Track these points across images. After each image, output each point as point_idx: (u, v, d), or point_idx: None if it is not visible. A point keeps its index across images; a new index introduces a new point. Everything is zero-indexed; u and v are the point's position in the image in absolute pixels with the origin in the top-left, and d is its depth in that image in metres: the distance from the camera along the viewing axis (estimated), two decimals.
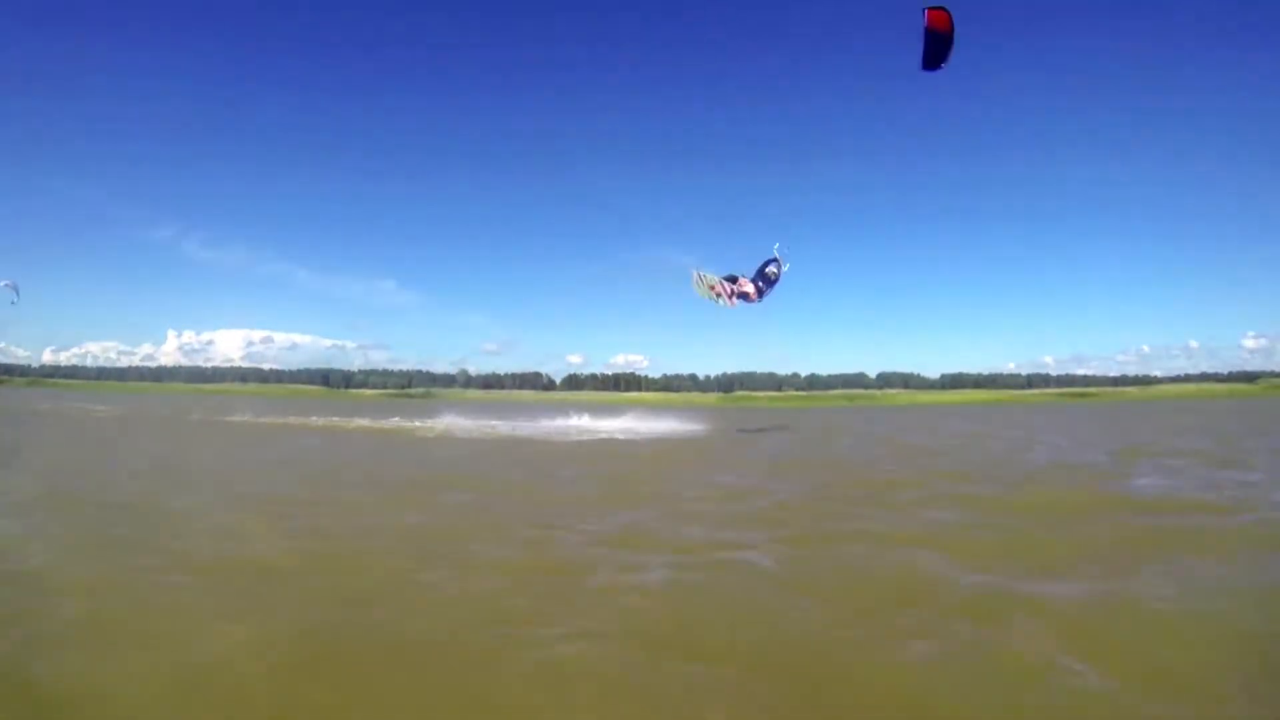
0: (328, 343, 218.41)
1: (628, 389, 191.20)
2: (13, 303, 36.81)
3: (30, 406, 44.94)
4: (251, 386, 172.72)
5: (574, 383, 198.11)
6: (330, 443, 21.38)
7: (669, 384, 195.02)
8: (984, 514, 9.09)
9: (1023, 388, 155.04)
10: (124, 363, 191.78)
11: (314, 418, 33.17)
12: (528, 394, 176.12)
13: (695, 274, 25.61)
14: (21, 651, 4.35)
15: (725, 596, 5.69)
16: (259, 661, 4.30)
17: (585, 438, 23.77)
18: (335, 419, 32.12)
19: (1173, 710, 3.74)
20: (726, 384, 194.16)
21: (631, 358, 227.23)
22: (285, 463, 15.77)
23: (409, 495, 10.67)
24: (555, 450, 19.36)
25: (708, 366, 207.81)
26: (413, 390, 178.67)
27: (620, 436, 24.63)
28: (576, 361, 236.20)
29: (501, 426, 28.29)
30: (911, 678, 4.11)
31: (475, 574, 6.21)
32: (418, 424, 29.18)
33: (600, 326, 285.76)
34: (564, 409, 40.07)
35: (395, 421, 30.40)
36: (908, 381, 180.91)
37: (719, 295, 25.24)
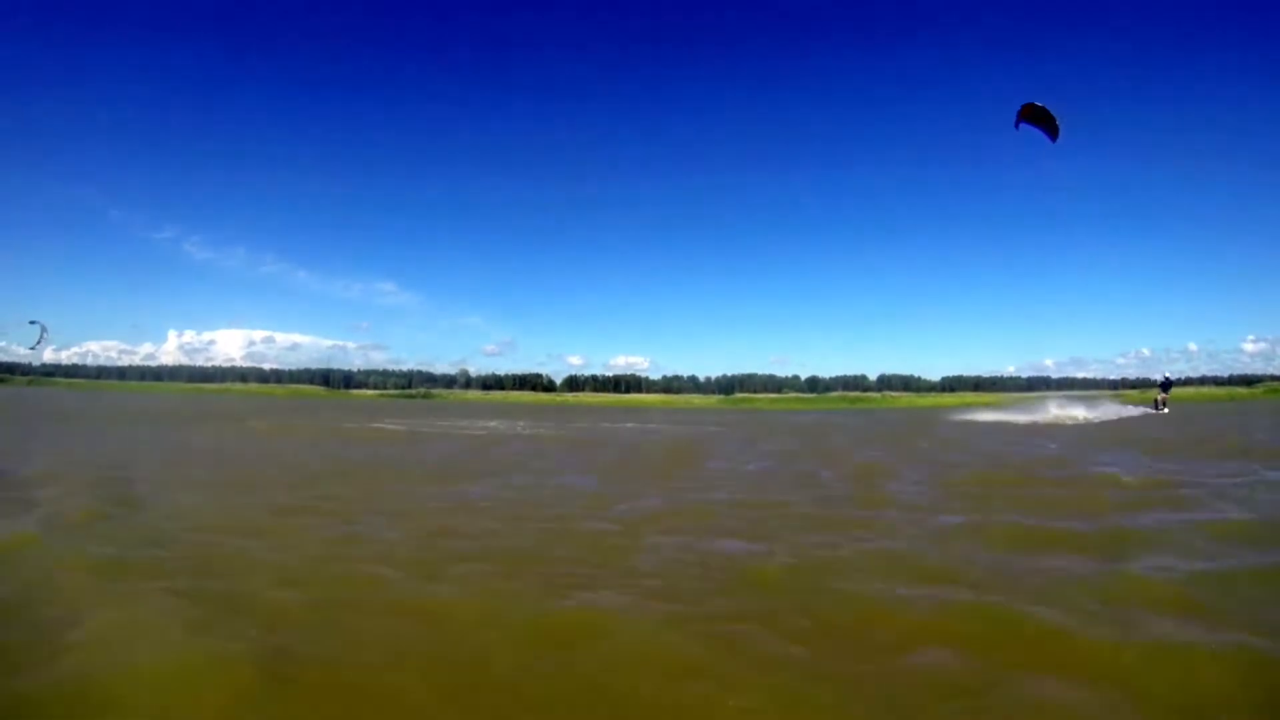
0: (328, 343, 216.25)
1: (628, 390, 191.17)
2: (33, 347, 36.63)
3: (70, 407, 43.71)
4: (253, 386, 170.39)
5: (574, 384, 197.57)
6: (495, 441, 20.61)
7: (669, 385, 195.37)
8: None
9: (1023, 390, 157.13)
10: (125, 362, 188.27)
11: (463, 421, 32.04)
12: (527, 395, 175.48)
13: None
14: None
15: None
16: None
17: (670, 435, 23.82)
18: (487, 421, 31.46)
19: None
20: (727, 386, 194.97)
21: (632, 359, 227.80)
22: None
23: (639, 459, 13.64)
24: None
25: (708, 368, 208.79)
26: (413, 391, 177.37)
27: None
28: (577, 363, 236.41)
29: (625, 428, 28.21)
30: None
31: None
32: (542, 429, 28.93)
33: (600, 327, 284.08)
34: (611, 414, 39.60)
35: (546, 426, 30.00)
36: (908, 384, 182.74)
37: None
